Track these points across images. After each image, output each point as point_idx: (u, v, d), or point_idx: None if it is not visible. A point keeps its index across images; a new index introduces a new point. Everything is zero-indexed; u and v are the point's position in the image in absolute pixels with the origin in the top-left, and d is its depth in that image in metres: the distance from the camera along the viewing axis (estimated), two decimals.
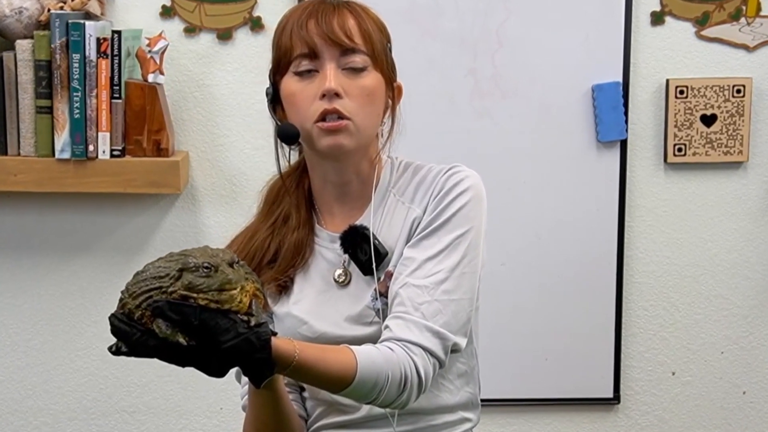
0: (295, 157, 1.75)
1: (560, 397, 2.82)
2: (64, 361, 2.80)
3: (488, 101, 2.71)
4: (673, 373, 2.86)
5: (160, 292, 1.35)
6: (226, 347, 1.35)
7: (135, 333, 1.36)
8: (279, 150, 1.72)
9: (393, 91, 1.69)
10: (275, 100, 1.67)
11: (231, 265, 1.38)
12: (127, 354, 1.38)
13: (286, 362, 1.43)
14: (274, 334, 1.41)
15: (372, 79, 1.64)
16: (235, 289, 1.37)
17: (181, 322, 1.34)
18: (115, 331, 1.38)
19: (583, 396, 2.83)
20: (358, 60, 1.62)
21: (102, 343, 2.78)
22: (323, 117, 1.60)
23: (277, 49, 1.65)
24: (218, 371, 1.39)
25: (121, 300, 1.38)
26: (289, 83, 1.63)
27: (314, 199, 1.73)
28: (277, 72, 1.65)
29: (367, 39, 1.63)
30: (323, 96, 1.60)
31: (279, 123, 1.65)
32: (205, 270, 1.35)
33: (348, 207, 1.70)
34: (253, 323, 1.38)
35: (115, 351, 1.39)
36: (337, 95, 1.60)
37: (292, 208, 1.72)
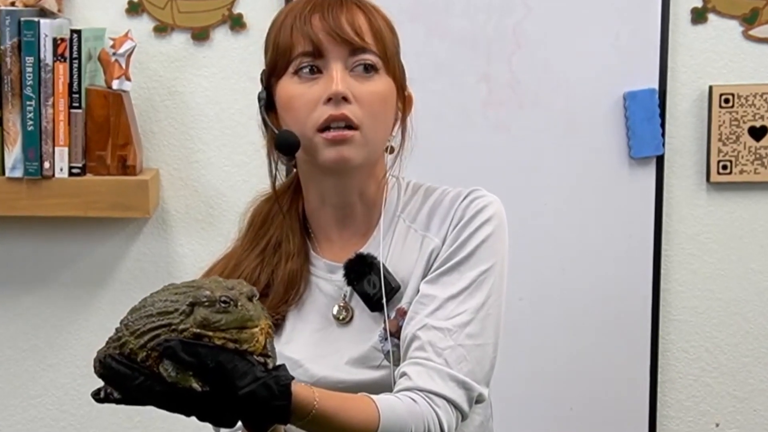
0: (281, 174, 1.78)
1: None
2: (15, 411, 2.82)
3: (504, 111, 2.74)
4: (717, 425, 2.88)
5: (168, 330, 1.37)
6: (243, 393, 1.38)
7: (138, 377, 1.38)
8: (273, 163, 1.73)
9: (404, 101, 1.71)
10: (268, 106, 1.69)
11: (250, 299, 1.40)
12: (118, 401, 1.40)
13: (305, 412, 1.45)
14: (292, 378, 1.45)
15: (384, 83, 1.66)
16: (256, 327, 1.40)
17: (194, 365, 1.37)
18: (110, 374, 1.39)
19: None
20: (369, 60, 1.64)
21: (59, 390, 2.82)
22: (327, 125, 1.62)
23: (275, 48, 1.66)
24: (230, 421, 1.41)
25: (118, 339, 1.39)
26: (288, 85, 1.65)
27: (309, 221, 1.74)
28: (273, 74, 1.67)
29: (378, 38, 1.65)
30: (329, 100, 1.62)
31: (276, 130, 1.68)
32: (223, 305, 1.38)
33: (349, 233, 1.72)
34: (270, 366, 1.42)
35: (103, 398, 1.41)
36: (345, 99, 1.62)
37: (285, 233, 1.74)
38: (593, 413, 2.81)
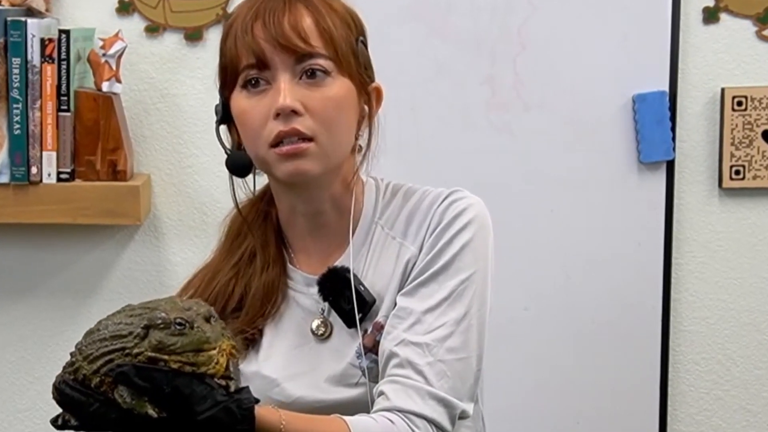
0: (260, 182, 1.80)
1: None
2: (1, 426, 2.85)
3: (508, 114, 2.79)
4: None
5: (122, 355, 1.40)
6: (202, 418, 1.41)
7: (92, 404, 1.40)
8: (233, 178, 1.78)
9: (369, 96, 1.74)
10: (226, 119, 1.74)
11: (207, 320, 1.43)
12: (76, 429, 1.42)
13: None
14: (257, 401, 1.47)
15: (338, 87, 1.67)
16: (213, 349, 1.43)
17: (149, 390, 1.39)
18: (65, 400, 1.42)
19: None
20: (319, 65, 1.66)
21: (47, 403, 2.68)
22: (279, 140, 1.65)
23: (222, 57, 1.71)
24: None
25: (72, 364, 1.42)
26: (238, 100, 1.69)
27: (283, 232, 1.79)
28: (225, 86, 1.71)
29: (327, 39, 1.66)
30: (277, 115, 1.64)
31: (228, 151, 1.73)
32: (178, 327, 1.40)
33: (325, 243, 1.75)
34: (232, 389, 1.45)
35: (62, 425, 1.43)
36: (294, 112, 1.64)
37: (260, 246, 1.78)
38: (601, 427, 2.84)
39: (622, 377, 2.82)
